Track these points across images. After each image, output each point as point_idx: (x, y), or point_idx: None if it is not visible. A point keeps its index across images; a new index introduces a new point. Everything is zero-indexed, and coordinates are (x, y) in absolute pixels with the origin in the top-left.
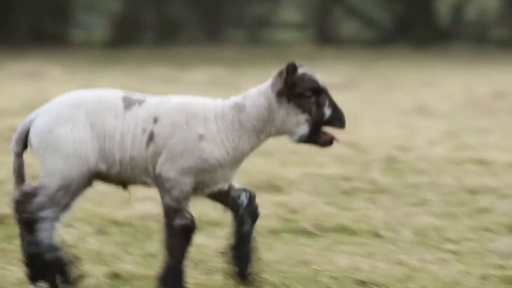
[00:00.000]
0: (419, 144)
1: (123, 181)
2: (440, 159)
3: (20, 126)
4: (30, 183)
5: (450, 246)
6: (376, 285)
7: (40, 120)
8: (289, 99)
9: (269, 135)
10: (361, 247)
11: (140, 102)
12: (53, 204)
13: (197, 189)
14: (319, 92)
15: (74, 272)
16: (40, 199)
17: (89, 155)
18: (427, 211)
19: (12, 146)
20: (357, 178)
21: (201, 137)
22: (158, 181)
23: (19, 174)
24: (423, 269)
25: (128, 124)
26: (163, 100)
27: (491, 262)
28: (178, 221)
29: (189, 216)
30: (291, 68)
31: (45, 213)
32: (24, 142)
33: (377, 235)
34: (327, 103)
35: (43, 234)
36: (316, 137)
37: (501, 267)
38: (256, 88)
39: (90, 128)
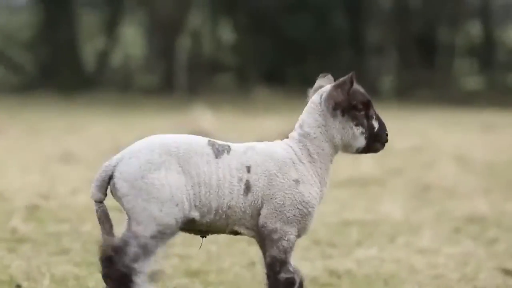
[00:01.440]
0: (62, 191)
1: (207, 230)
2: (82, 207)
3: (100, 171)
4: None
5: None
6: None
7: (129, 165)
8: (343, 113)
9: (336, 153)
10: None
11: (228, 150)
12: (146, 254)
13: (298, 237)
14: (368, 105)
15: None
16: (133, 250)
17: (185, 201)
18: (68, 260)
19: (93, 194)
20: None
21: (297, 182)
22: (263, 233)
23: (107, 222)
24: None
25: (223, 171)
26: (248, 147)
27: None
28: (283, 275)
29: (292, 270)
30: (352, 79)
31: (139, 265)
32: (105, 189)
33: (16, 286)
34: (374, 116)
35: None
36: (371, 148)
37: None
38: (305, 111)
39: (183, 174)
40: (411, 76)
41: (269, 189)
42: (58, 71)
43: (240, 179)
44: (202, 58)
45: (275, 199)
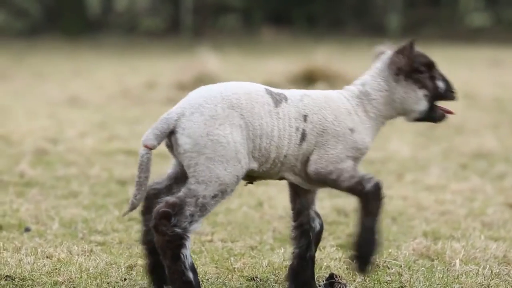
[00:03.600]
0: (70, 135)
1: (260, 177)
2: (90, 150)
3: (161, 122)
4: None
5: (98, 238)
6: (22, 279)
7: (192, 121)
8: (406, 77)
9: (390, 118)
10: (9, 242)
11: (285, 98)
12: (202, 215)
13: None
14: (431, 66)
15: None
16: (190, 209)
17: (246, 157)
18: (76, 203)
19: (147, 139)
20: (5, 171)
21: (352, 130)
22: (319, 179)
23: (145, 172)
24: (71, 261)
25: (283, 122)
26: (304, 95)
27: (137, 252)
28: (368, 185)
29: (370, 176)
30: (413, 45)
31: (194, 226)
32: (162, 140)
33: (25, 229)
34: (439, 76)
35: (187, 251)
36: (433, 112)
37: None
38: (369, 73)
39: (246, 128)
40: (417, 13)
41: (322, 136)
42: (62, 14)
43: (297, 129)
44: (208, 0)
45: (328, 145)
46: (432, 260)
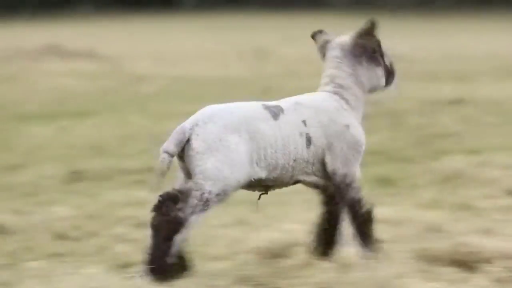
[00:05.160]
0: None
1: (274, 185)
2: None
3: (176, 133)
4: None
5: None
6: None
7: (206, 128)
8: (367, 58)
9: (364, 99)
10: None
11: (282, 110)
12: (204, 208)
13: None
14: (379, 45)
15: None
16: (194, 201)
17: (252, 165)
18: None
19: (168, 147)
20: None
21: (347, 127)
22: (336, 180)
23: (163, 176)
24: None
25: (285, 130)
26: (295, 103)
27: None
28: (363, 210)
29: (366, 203)
30: (375, 24)
31: (194, 218)
32: (180, 147)
33: None
34: (384, 53)
35: (179, 238)
36: (391, 83)
37: None
38: (330, 66)
39: (250, 141)
40: None
41: (326, 138)
42: None
43: (301, 134)
44: None
45: (335, 147)
46: None
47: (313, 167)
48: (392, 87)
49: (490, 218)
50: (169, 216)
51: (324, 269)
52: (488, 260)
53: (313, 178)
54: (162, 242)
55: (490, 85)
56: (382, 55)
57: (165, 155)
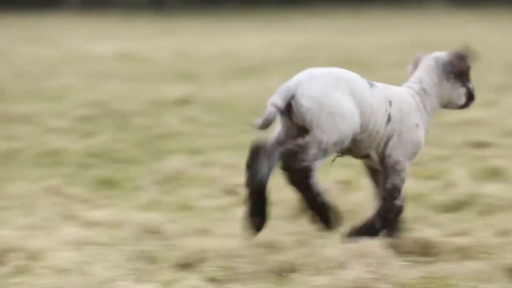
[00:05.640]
0: None
1: (349, 151)
2: None
3: (282, 89)
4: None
5: None
6: None
7: (311, 86)
8: (455, 76)
9: (437, 110)
10: None
11: (374, 85)
12: (324, 156)
13: None
14: (469, 70)
15: (334, 215)
16: (313, 152)
17: (358, 117)
18: None
19: (275, 101)
20: None
21: (417, 126)
22: (388, 162)
23: (269, 126)
24: None
25: (377, 100)
26: (386, 87)
27: None
28: (398, 202)
29: (403, 200)
30: (472, 53)
31: (317, 163)
32: (286, 101)
33: None
34: (470, 79)
35: (314, 180)
36: (467, 106)
37: None
38: (421, 72)
39: (353, 96)
40: None
41: (400, 125)
42: None
43: (386, 110)
44: None
45: (403, 136)
46: None
47: (381, 147)
48: (466, 109)
49: (208, 217)
50: (297, 170)
51: (39, 275)
52: (203, 260)
53: (375, 158)
54: (306, 192)
55: (216, 86)
56: (468, 79)
57: (273, 108)
